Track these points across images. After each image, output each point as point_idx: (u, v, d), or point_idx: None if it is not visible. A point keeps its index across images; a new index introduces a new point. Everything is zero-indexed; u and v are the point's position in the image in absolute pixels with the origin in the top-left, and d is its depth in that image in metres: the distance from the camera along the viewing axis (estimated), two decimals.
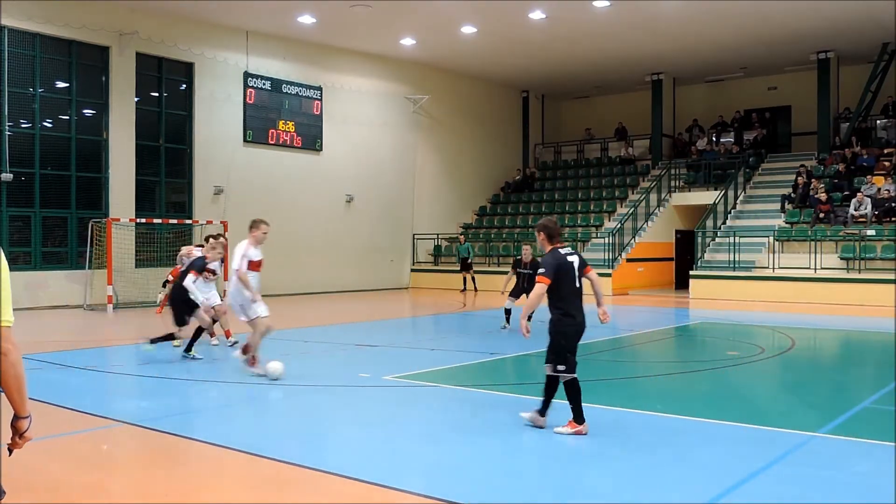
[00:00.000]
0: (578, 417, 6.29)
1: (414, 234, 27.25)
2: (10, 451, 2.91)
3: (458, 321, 16.63)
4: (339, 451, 6.12)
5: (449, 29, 22.32)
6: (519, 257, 13.81)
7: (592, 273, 6.54)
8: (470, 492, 4.92)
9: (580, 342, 6.46)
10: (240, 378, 9.47)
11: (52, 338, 12.63)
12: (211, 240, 11.57)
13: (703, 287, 21.42)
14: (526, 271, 13.33)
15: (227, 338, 11.84)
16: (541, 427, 6.39)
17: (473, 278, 24.36)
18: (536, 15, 20.80)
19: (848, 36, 23.20)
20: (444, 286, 25.49)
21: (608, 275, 22.85)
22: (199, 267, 10.60)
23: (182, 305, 10.51)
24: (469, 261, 24.50)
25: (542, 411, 6.44)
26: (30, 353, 10.39)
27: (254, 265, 8.97)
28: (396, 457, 5.92)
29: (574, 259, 6.44)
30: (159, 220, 20.08)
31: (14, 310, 2.78)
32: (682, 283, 24.18)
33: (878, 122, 25.49)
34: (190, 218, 21.10)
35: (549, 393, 6.43)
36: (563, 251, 6.43)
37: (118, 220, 18.98)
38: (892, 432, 6.27)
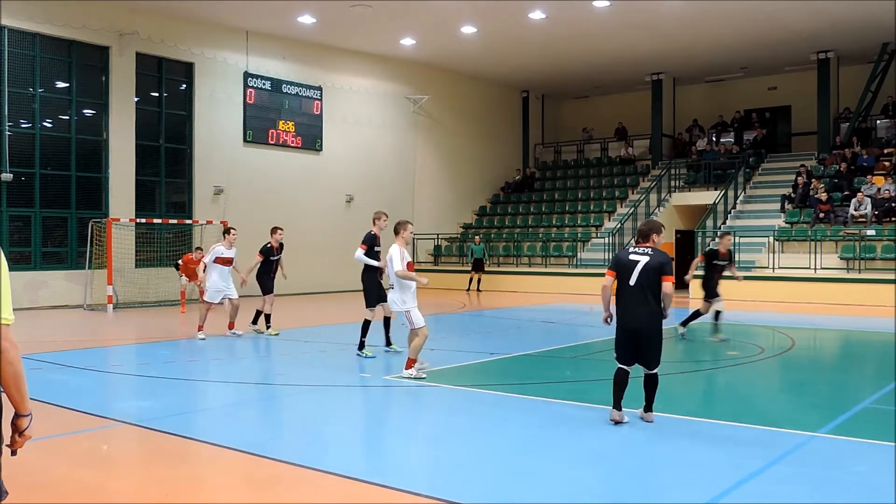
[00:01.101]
0: (617, 404, 6.56)
1: (414, 235, 27.21)
2: (14, 451, 2.90)
3: (459, 321, 16.62)
4: (340, 451, 6.12)
5: (449, 29, 22.31)
6: (716, 248, 13.00)
7: (666, 284, 6.44)
8: (470, 492, 4.92)
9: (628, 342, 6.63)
10: (239, 378, 9.47)
11: (52, 338, 12.63)
12: (233, 231, 12.84)
13: None
14: (722, 262, 12.76)
15: (230, 329, 12.63)
16: (618, 422, 6.52)
17: (480, 279, 24.20)
18: (536, 15, 20.80)
19: (848, 36, 23.19)
20: (444, 286, 25.46)
21: None
22: (370, 241, 10.87)
23: (375, 288, 10.71)
24: (483, 261, 24.26)
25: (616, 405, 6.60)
26: (30, 353, 10.39)
27: (408, 265, 9.18)
28: (396, 457, 5.91)
29: (640, 259, 6.48)
30: (159, 220, 20.07)
31: (14, 310, 2.78)
32: (681, 283, 24.09)
33: (878, 122, 25.50)
34: (190, 218, 21.09)
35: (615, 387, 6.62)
36: (630, 249, 6.58)
37: (118, 220, 18.98)
38: (892, 432, 6.27)
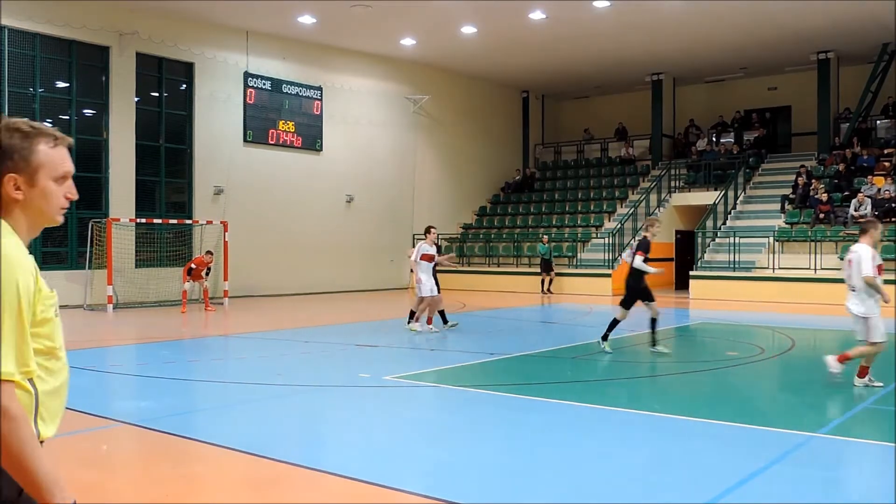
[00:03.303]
0: None
1: (414, 235, 27.23)
2: None
3: (459, 321, 16.60)
4: (339, 451, 6.12)
5: (449, 29, 22.31)
6: None
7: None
8: (470, 492, 4.92)
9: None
10: (239, 378, 9.47)
11: None
12: (433, 230, 13.35)
13: (703, 287, 21.40)
14: None
15: (429, 324, 13.35)
16: None
17: (551, 280, 23.21)
18: (536, 15, 20.80)
19: (848, 36, 23.19)
20: (443, 286, 25.38)
21: (608, 275, 22.85)
22: (647, 247, 10.92)
23: (637, 291, 10.79)
24: (551, 262, 23.36)
25: None
26: None
27: (878, 268, 8.04)
28: (396, 457, 5.91)
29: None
30: (159, 220, 20.07)
31: None
32: (682, 284, 24.16)
33: (878, 122, 25.50)
34: (190, 218, 21.09)
35: None
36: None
37: (118, 220, 18.97)
38: (892, 432, 6.27)
